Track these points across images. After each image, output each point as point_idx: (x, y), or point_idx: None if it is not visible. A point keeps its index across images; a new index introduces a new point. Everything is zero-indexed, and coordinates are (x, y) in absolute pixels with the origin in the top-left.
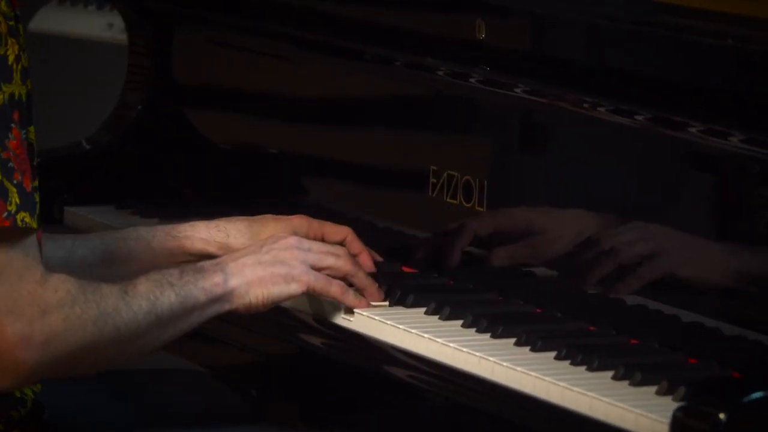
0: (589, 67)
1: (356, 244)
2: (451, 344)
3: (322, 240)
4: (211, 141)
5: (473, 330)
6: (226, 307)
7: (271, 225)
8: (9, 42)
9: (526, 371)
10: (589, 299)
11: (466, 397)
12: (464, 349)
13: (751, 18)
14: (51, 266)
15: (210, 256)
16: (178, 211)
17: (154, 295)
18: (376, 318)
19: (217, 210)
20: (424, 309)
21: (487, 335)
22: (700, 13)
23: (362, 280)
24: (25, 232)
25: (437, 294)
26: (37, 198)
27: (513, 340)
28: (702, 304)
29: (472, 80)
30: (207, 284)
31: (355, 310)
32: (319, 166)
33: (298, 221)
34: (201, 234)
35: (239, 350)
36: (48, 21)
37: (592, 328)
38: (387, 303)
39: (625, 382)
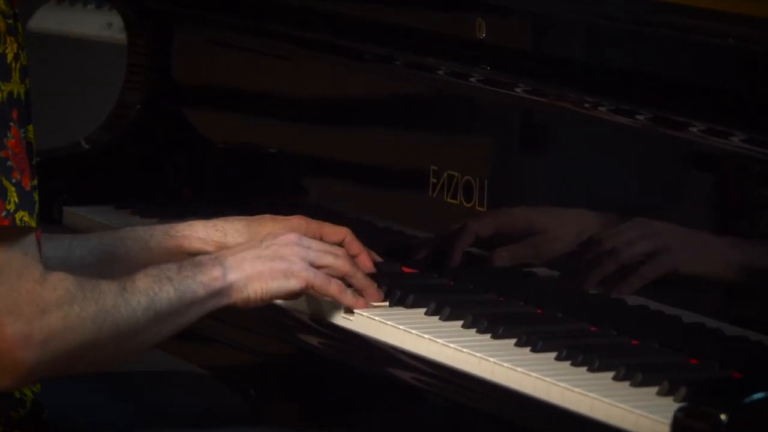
0: (590, 67)
1: (355, 245)
2: (452, 345)
3: (321, 241)
4: (211, 141)
5: (473, 330)
6: (225, 301)
7: (269, 225)
8: (8, 40)
9: (526, 372)
10: (589, 300)
11: (466, 397)
12: (464, 350)
13: (752, 17)
14: (50, 266)
15: None
16: (177, 211)
17: (153, 291)
18: (376, 318)
19: (216, 210)
20: (424, 309)
21: (488, 336)
22: (700, 13)
23: (361, 280)
24: (24, 231)
25: (437, 294)
26: (36, 197)
27: (513, 340)
28: (703, 304)
29: (472, 80)
30: (206, 278)
31: (355, 310)
32: (319, 166)
33: (297, 221)
34: (199, 233)
35: (238, 350)
36: (47, 20)
37: (592, 328)
38: (387, 303)
39: (626, 383)
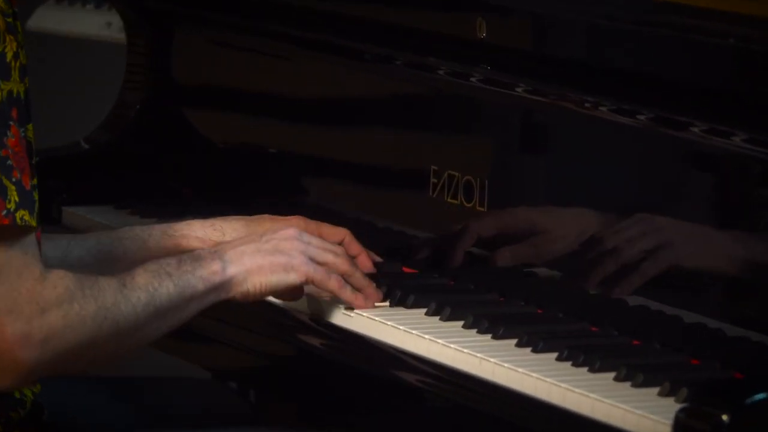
0: (591, 67)
1: (354, 246)
2: (452, 345)
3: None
4: (211, 141)
5: (474, 331)
6: (224, 295)
7: (267, 225)
8: (7, 39)
9: (527, 372)
10: (590, 300)
11: (466, 398)
12: (465, 350)
13: (753, 17)
14: (49, 265)
15: None
16: (177, 211)
17: (153, 287)
18: (377, 319)
19: (216, 210)
20: (424, 310)
21: (488, 336)
22: (701, 13)
23: (359, 280)
24: (24, 230)
25: (438, 295)
26: (36, 196)
27: (514, 341)
28: (705, 304)
29: (472, 80)
30: (205, 273)
31: (355, 311)
32: (319, 166)
33: (296, 222)
34: (197, 233)
35: (238, 351)
36: (46, 20)
37: (593, 328)
38: (387, 303)
39: (627, 384)
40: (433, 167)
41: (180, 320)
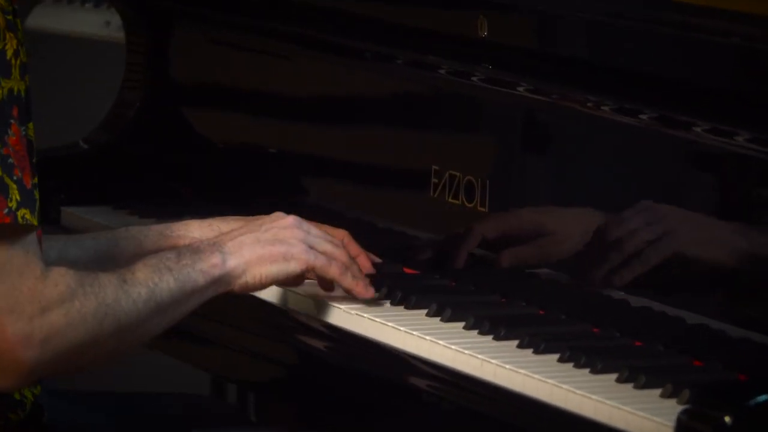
0: (593, 66)
1: (353, 247)
2: (453, 346)
3: None
4: (210, 140)
5: (475, 332)
6: (224, 288)
7: None
8: (7, 36)
9: (528, 374)
10: (593, 301)
11: (467, 400)
12: (466, 352)
13: (757, 16)
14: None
15: None
16: (176, 211)
17: (153, 282)
18: (377, 320)
19: (215, 210)
20: (425, 311)
21: (490, 337)
22: (705, 11)
23: (355, 272)
24: (25, 229)
25: (439, 295)
26: (36, 195)
27: (516, 342)
28: (707, 305)
29: (474, 79)
30: (205, 266)
31: (356, 312)
32: (319, 165)
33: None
34: (194, 233)
35: (238, 353)
36: (44, 19)
37: (595, 330)
38: (388, 304)
39: (629, 385)
40: (434, 167)
41: (181, 314)
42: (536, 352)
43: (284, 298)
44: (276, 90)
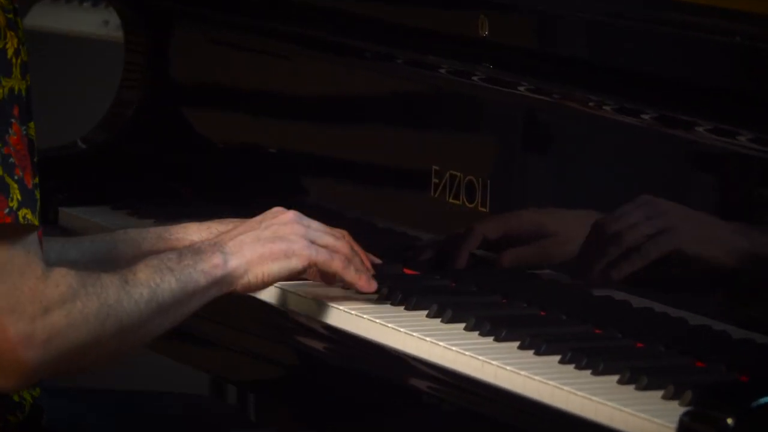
0: (594, 65)
1: (353, 247)
2: (454, 348)
3: None
4: (210, 140)
5: (476, 333)
6: (226, 288)
7: None
8: (8, 35)
9: (529, 375)
10: (594, 302)
11: (468, 401)
12: (467, 353)
13: (758, 15)
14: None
15: None
16: (175, 211)
17: (155, 282)
18: (377, 321)
19: (215, 210)
20: (425, 312)
21: (490, 338)
22: (706, 10)
23: (357, 265)
24: (26, 228)
25: (439, 296)
26: (37, 195)
27: (516, 343)
28: (710, 306)
29: (474, 78)
30: (206, 266)
31: (355, 313)
32: (319, 165)
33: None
34: (192, 236)
35: (237, 354)
36: (42, 18)
37: (597, 331)
38: (388, 305)
39: (631, 386)
40: (434, 167)
41: (182, 315)
42: (537, 353)
43: (284, 299)
44: (276, 90)
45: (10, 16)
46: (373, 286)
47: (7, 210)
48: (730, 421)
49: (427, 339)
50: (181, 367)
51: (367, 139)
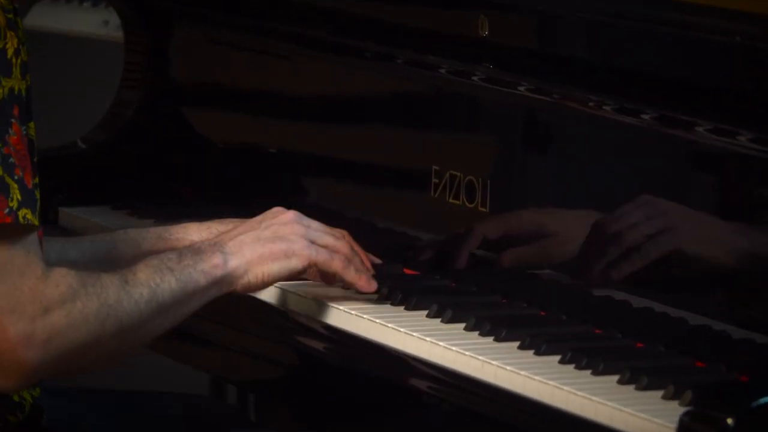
0: (594, 65)
1: (353, 247)
2: (454, 348)
3: None
4: (210, 140)
5: (476, 333)
6: (226, 288)
7: None
8: (8, 35)
9: (529, 375)
10: (594, 302)
11: (468, 401)
12: (467, 353)
13: (758, 15)
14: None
15: None
16: (175, 211)
17: (155, 282)
18: (377, 321)
19: (215, 210)
20: (425, 312)
21: (490, 338)
22: (706, 10)
23: (358, 265)
24: (26, 229)
25: (439, 296)
26: (37, 195)
27: (516, 343)
28: (710, 306)
29: (475, 78)
30: (206, 266)
31: (355, 313)
32: (319, 165)
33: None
34: (192, 236)
35: (237, 354)
36: (42, 18)
37: (597, 331)
38: (388, 305)
39: (631, 386)
40: (434, 167)
41: (182, 315)
42: (537, 353)
43: (284, 299)
44: (276, 90)
45: (10, 16)
46: (373, 286)
47: (7, 210)
48: (730, 421)
49: (427, 339)
50: (181, 367)
51: (367, 139)
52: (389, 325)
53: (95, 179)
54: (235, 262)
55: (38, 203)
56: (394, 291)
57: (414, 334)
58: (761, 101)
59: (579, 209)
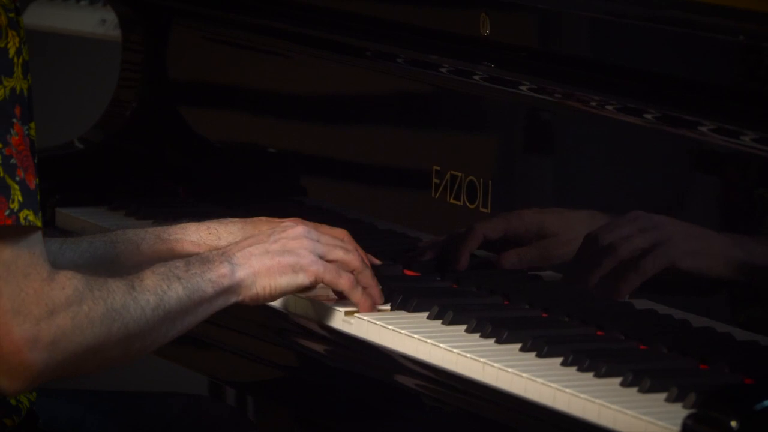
0: (596, 65)
1: (364, 260)
2: (455, 350)
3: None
4: (208, 140)
5: (477, 335)
6: (233, 299)
7: (264, 227)
8: (9, 35)
9: (531, 377)
10: (596, 303)
11: (469, 403)
12: (468, 355)
13: (763, 14)
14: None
15: None
16: (173, 211)
17: (162, 289)
18: (378, 323)
19: (213, 210)
20: (426, 313)
21: (492, 340)
22: (709, 9)
23: (368, 279)
24: (29, 230)
25: (440, 298)
26: (38, 196)
27: (518, 345)
28: (713, 308)
29: (476, 77)
30: (214, 276)
31: (356, 315)
32: (319, 165)
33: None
34: (191, 236)
35: (236, 356)
36: (40, 17)
37: (599, 333)
38: (389, 307)
39: (634, 389)
40: (435, 167)
41: (189, 324)
42: (539, 355)
43: (284, 301)
44: (275, 89)
45: (12, 15)
46: (374, 308)
47: (7, 212)
48: (734, 423)
49: (428, 341)
50: (181, 367)
51: (368, 139)
52: (389, 327)
53: (92, 179)
54: (242, 273)
55: (39, 204)
56: (394, 292)
57: (415, 336)
58: (765, 101)
59: (581, 210)
